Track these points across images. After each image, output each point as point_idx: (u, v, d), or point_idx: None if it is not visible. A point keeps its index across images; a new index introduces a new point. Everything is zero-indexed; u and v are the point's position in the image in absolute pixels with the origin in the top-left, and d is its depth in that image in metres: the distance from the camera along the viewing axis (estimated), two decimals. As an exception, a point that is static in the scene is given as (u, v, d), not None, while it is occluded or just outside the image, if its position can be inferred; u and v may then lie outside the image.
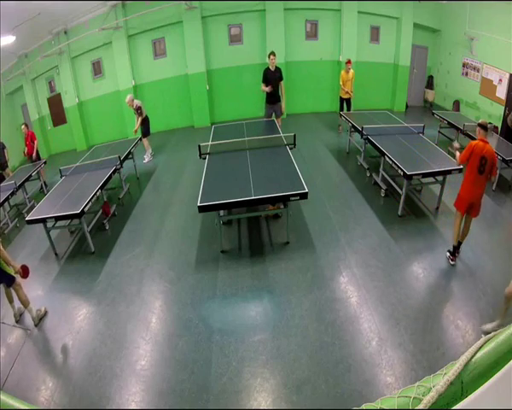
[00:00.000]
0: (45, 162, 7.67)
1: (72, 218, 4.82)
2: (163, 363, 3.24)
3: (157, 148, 8.74)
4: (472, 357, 0.67)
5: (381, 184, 5.80)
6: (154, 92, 9.89)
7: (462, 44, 9.04)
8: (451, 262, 4.12)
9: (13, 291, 3.82)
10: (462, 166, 4.37)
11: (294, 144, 5.63)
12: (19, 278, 3.76)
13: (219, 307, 3.81)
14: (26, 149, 8.19)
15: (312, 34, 9.88)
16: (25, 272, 3.80)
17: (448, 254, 4.17)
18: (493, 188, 5.73)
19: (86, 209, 4.72)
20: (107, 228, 5.52)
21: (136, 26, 9.23)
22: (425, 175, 4.87)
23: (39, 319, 3.85)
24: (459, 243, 4.13)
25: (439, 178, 5.08)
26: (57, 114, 10.56)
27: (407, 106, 10.73)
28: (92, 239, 5.01)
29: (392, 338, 3.24)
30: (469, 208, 3.97)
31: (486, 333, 3.18)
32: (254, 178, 4.60)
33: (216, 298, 3.92)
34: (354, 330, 3.36)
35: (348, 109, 8.63)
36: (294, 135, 5.59)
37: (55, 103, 10.44)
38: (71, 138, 10.44)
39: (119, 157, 6.10)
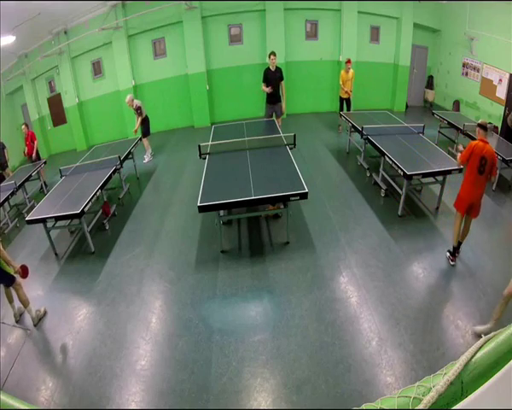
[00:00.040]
0: (45, 162, 7.67)
1: (72, 218, 4.82)
2: (163, 363, 3.24)
3: (157, 148, 8.74)
4: (472, 357, 0.67)
5: (381, 184, 5.80)
6: (154, 92, 9.89)
7: (462, 44, 9.04)
8: (451, 263, 4.12)
9: (13, 291, 3.82)
10: (462, 167, 4.37)
11: (294, 144, 5.63)
12: (19, 278, 3.77)
13: (219, 307, 3.81)
14: (26, 149, 8.19)
15: (312, 34, 9.88)
16: (24, 271, 3.80)
17: (448, 254, 4.17)
18: (493, 188, 5.73)
19: (86, 209, 4.72)
20: (107, 228, 5.53)
21: (136, 26, 9.23)
22: (425, 175, 4.87)
23: (38, 320, 3.86)
24: (459, 244, 4.13)
25: (439, 178, 5.08)
26: (57, 114, 10.56)
27: (407, 106, 10.73)
28: (92, 239, 5.01)
29: (392, 338, 3.24)
30: (469, 209, 3.97)
31: (479, 335, 3.18)
32: (254, 178, 4.60)
33: (216, 298, 3.92)
34: (354, 330, 3.36)
35: (348, 109, 8.63)
36: (294, 135, 5.59)
37: (55, 103, 10.45)
38: (71, 138, 10.44)
39: (119, 157, 6.10)
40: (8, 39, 7.98)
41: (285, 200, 4.32)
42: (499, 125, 7.85)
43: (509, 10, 7.33)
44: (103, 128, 10.34)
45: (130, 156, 7.01)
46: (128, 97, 7.81)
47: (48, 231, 4.91)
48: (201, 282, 4.16)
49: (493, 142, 5.99)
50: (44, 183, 7.69)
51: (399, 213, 5.11)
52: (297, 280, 4.04)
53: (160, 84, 9.88)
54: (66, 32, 9.25)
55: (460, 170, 4.63)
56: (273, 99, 7.14)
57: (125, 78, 9.58)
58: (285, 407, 2.77)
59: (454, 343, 3.18)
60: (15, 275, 3.73)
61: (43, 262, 4.98)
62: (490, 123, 5.32)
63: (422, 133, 6.21)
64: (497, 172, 4.94)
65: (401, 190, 5.06)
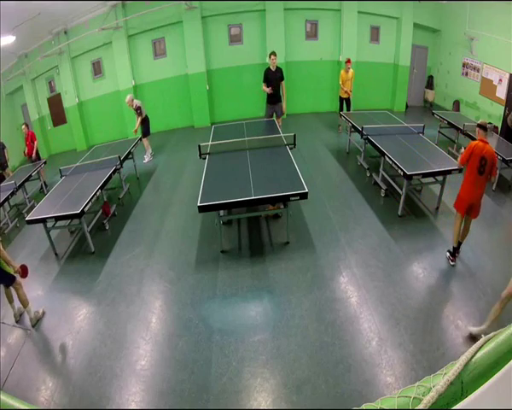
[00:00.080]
0: (45, 162, 7.68)
1: (72, 218, 4.82)
2: (163, 363, 3.24)
3: (157, 148, 8.74)
4: (472, 357, 0.67)
5: (381, 184, 5.80)
6: (154, 92, 9.90)
7: (462, 44, 9.04)
8: (451, 263, 4.12)
9: (13, 291, 3.82)
10: (462, 168, 4.37)
11: (294, 144, 5.63)
12: (19, 278, 3.77)
13: (219, 307, 3.81)
14: (26, 149, 8.20)
15: (312, 34, 9.88)
16: (24, 271, 3.80)
17: (448, 254, 4.17)
18: (493, 188, 5.73)
19: (86, 209, 4.72)
20: (107, 228, 5.52)
21: (136, 26, 9.23)
22: (425, 175, 4.87)
23: (36, 321, 3.86)
24: (459, 244, 4.13)
25: (439, 178, 5.08)
26: (57, 114, 10.56)
27: (407, 106, 10.73)
28: (92, 239, 5.01)
29: (392, 338, 3.24)
30: (469, 209, 3.96)
31: (475, 336, 3.16)
32: (254, 178, 4.60)
33: (216, 298, 3.92)
34: (354, 331, 3.36)
35: (348, 109, 8.63)
36: (294, 135, 5.59)
37: (55, 103, 10.45)
38: (71, 138, 10.44)
39: (119, 157, 6.10)
40: (8, 39, 7.98)
41: (285, 200, 4.32)
42: (499, 126, 7.85)
43: (509, 10, 7.33)
44: (103, 128, 10.34)
45: (130, 156, 7.01)
46: (128, 97, 7.82)
47: (48, 231, 4.91)
48: (201, 282, 4.16)
49: (493, 142, 5.99)
50: (44, 183, 7.69)
51: (399, 213, 5.11)
52: (297, 280, 4.04)
53: (160, 84, 9.88)
54: (66, 32, 9.25)
55: (460, 170, 4.63)
56: (273, 99, 7.14)
57: (124, 78, 9.58)
58: (285, 407, 2.77)
59: (454, 343, 3.18)
60: (15, 275, 3.73)
61: (43, 262, 4.98)
62: (490, 123, 5.32)
63: (422, 133, 6.21)
64: (497, 172, 4.94)
65: (401, 190, 5.06)
